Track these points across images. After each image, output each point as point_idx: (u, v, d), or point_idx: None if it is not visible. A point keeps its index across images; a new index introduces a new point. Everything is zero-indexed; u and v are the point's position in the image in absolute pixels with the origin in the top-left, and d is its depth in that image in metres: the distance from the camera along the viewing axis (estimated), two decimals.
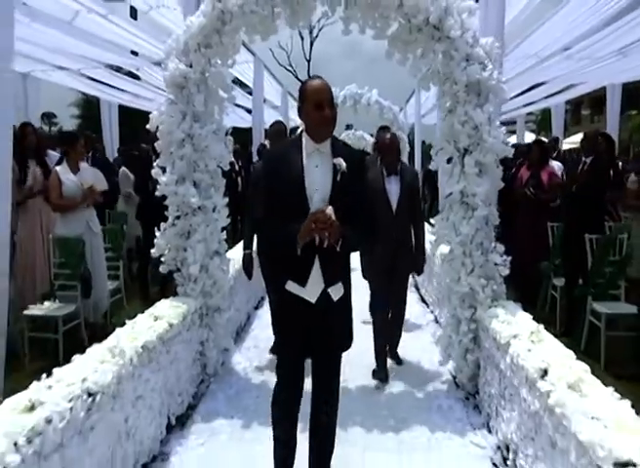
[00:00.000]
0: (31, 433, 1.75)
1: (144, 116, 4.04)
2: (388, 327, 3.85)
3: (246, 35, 3.41)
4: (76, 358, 2.31)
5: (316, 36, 31.09)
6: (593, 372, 2.14)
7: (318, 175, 2.18)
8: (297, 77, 30.36)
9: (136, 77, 9.58)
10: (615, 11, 5.72)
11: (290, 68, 30.45)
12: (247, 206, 3.96)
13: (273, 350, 3.81)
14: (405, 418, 3.07)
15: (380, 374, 3.66)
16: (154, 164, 3.45)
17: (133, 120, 14.62)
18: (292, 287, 2.23)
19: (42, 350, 3.87)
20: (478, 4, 4.97)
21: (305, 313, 2.22)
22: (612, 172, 4.87)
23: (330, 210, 2.04)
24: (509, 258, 3.23)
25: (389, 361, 3.85)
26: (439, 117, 3.57)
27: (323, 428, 2.35)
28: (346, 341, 2.33)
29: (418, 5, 3.03)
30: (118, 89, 9.77)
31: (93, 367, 2.22)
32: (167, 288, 4.61)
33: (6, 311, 2.70)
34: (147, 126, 3.37)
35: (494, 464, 2.64)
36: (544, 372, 2.21)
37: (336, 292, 2.24)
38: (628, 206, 4.86)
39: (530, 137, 16.68)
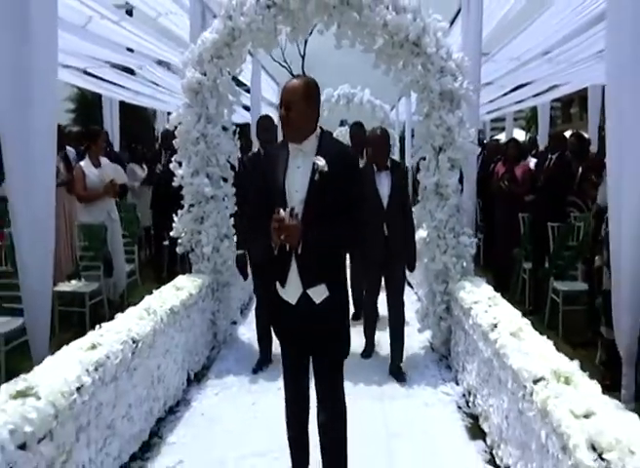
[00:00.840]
0: (96, 364, 2.34)
1: (141, 112, 4.43)
2: (391, 334, 3.83)
3: (252, 48, 3.99)
4: (118, 316, 2.90)
5: (310, 33, 31.58)
6: (556, 344, 2.51)
7: (298, 175, 2.18)
8: (291, 73, 30.89)
9: (131, 72, 10.04)
10: (592, 16, 6.29)
11: (284, 64, 31.02)
12: (238, 204, 4.00)
13: (256, 370, 3.81)
14: (387, 376, 3.67)
15: (369, 352, 4.06)
16: (172, 158, 4.03)
17: (130, 116, 15.10)
18: (277, 287, 2.27)
19: (70, 323, 4.45)
20: (460, 16, 5.60)
21: (291, 314, 2.23)
22: (582, 167, 5.48)
23: (284, 213, 2.04)
24: (475, 241, 3.84)
25: (391, 379, 3.69)
26: (417, 120, 4.16)
27: (327, 440, 2.28)
28: (339, 346, 2.27)
29: (399, 25, 3.62)
30: (119, 85, 10.26)
31: (134, 321, 2.81)
32: (174, 271, 5.19)
33: (51, 271, 3.20)
34: (166, 125, 3.94)
35: (458, 407, 3.27)
36: (495, 326, 2.82)
37: (317, 294, 2.19)
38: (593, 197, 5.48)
39: (519, 134, 17.31)
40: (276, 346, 2.79)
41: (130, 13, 8.14)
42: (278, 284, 2.25)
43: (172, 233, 4.01)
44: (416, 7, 3.66)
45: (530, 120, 23.48)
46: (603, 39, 6.80)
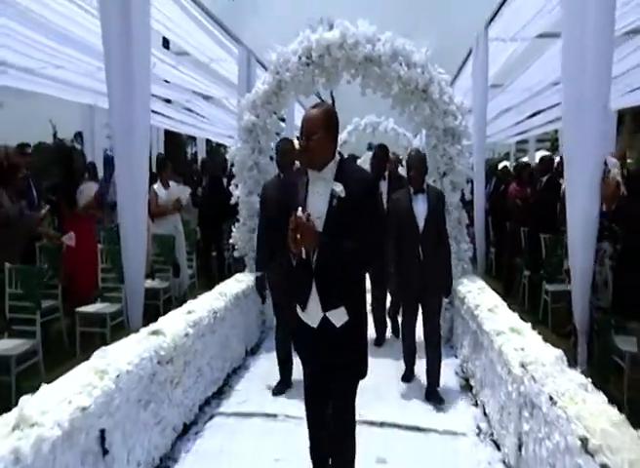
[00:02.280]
0: (193, 322, 3.48)
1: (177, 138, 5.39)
2: (428, 364, 3.95)
3: (294, 95, 5.19)
4: (190, 301, 4.01)
5: None
6: (545, 335, 3.24)
7: (319, 202, 2.26)
8: (321, 100, 32.38)
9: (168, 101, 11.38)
10: None
11: (315, 94, 32.61)
12: (259, 226, 4.08)
13: (276, 392, 3.97)
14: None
15: (407, 377, 4.19)
16: (232, 181, 5.23)
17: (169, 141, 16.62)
18: (298, 310, 2.39)
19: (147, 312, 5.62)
20: (471, 57, 6.74)
21: (312, 336, 2.35)
22: None
23: (301, 214, 2.13)
24: (471, 246, 4.90)
25: (429, 403, 3.86)
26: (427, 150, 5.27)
27: (336, 439, 2.44)
28: (356, 369, 2.39)
29: (411, 77, 4.77)
30: (163, 115, 11.67)
31: (214, 299, 3.97)
32: (223, 275, 6.34)
33: (144, 270, 4.35)
34: (228, 155, 5.15)
35: (455, 372, 4.29)
36: (478, 306, 3.87)
37: (337, 318, 2.28)
38: None
39: (543, 155, 18.20)
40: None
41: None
42: (299, 307, 2.37)
43: (231, 240, 5.19)
44: (424, 63, 4.81)
45: (554, 142, 24.43)
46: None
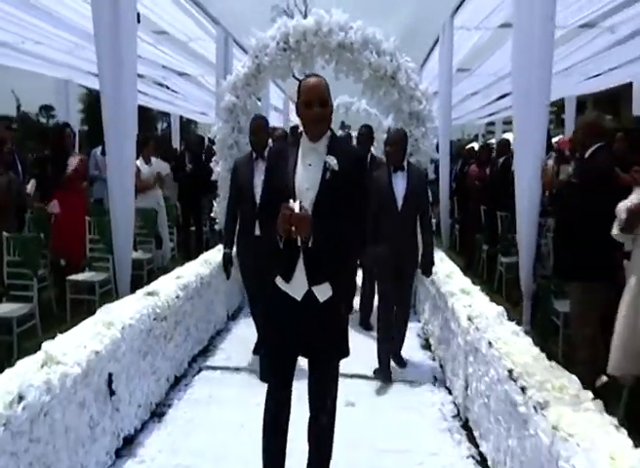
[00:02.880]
0: (183, 285, 3.91)
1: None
2: (394, 330, 4.02)
3: (272, 78, 5.56)
4: (177, 269, 4.42)
5: None
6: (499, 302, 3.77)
7: (310, 173, 2.24)
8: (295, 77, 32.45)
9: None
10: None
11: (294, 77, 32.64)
12: (228, 203, 4.10)
13: (256, 351, 4.10)
14: None
15: (384, 373, 3.92)
16: (213, 158, 5.59)
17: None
18: (279, 281, 2.32)
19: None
20: (437, 45, 7.17)
21: (293, 310, 2.28)
22: None
23: (294, 204, 2.08)
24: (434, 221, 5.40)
25: (392, 363, 4.02)
26: None
27: (317, 436, 2.38)
28: (339, 347, 2.34)
29: (380, 64, 5.19)
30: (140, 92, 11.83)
31: (200, 266, 4.39)
32: (200, 249, 6.73)
33: (131, 241, 4.71)
34: (209, 135, 5.51)
35: (417, 334, 4.84)
36: (436, 273, 4.37)
37: (321, 293, 2.26)
38: None
39: (510, 137, 18.89)
40: None
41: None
42: (281, 279, 2.31)
43: (212, 214, 5.58)
44: (392, 51, 5.24)
45: None
46: (567, 58, 8.43)
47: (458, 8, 6.64)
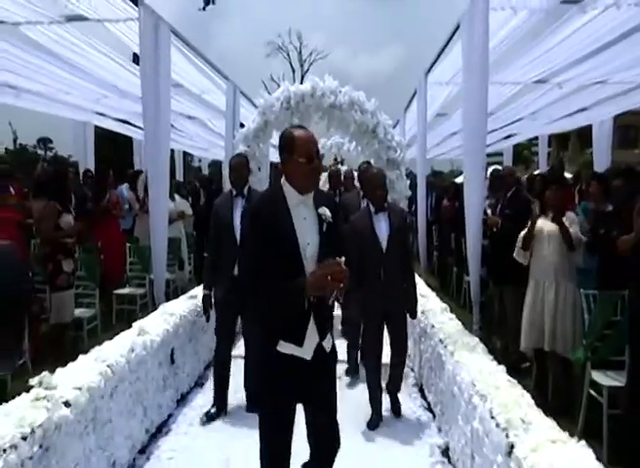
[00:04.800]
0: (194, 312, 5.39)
1: None
2: (390, 380, 4.15)
3: (277, 130, 7.15)
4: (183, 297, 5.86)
5: (307, 70, 35.56)
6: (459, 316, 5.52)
7: (307, 227, 2.27)
8: None
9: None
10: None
11: None
12: (210, 244, 4.23)
13: (208, 418, 4.14)
14: None
15: (376, 422, 3.98)
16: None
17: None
18: (286, 347, 2.30)
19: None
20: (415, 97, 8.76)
21: (299, 369, 2.32)
22: None
23: (340, 260, 2.12)
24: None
25: (386, 412, 4.14)
26: None
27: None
28: (335, 390, 2.51)
29: (363, 121, 6.79)
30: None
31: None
32: None
33: (165, 264, 6.21)
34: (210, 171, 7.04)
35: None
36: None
37: (328, 344, 2.41)
38: None
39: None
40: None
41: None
42: (288, 344, 2.30)
43: None
44: (373, 110, 6.84)
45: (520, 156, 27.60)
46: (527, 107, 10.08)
47: (430, 68, 8.29)
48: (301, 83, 7.07)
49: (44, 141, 33.87)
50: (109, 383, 3.16)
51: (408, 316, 4.09)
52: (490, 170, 8.11)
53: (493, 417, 2.63)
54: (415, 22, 63.46)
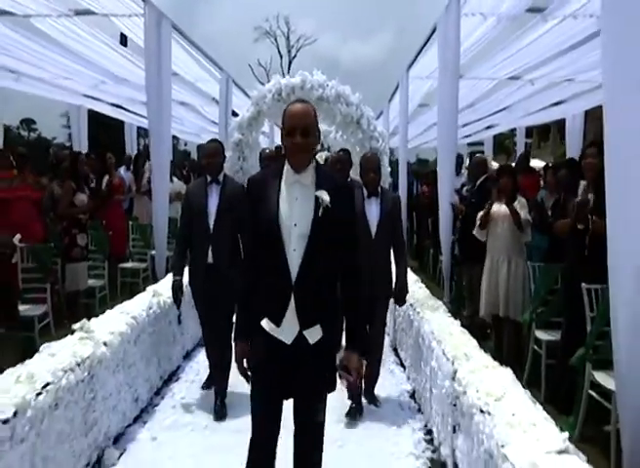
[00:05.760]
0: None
1: None
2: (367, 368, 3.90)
3: (267, 120, 7.85)
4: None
5: (294, 56, 36.01)
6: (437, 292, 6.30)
7: (297, 208, 2.22)
8: None
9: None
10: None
11: None
12: (180, 227, 4.28)
13: (206, 385, 4.38)
14: None
15: (356, 412, 3.94)
16: None
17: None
18: (266, 325, 2.30)
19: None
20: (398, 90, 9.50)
21: (281, 353, 2.28)
22: None
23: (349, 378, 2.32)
24: None
25: (364, 401, 4.10)
26: None
27: None
28: (327, 385, 2.37)
29: (348, 113, 7.52)
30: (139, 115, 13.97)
31: None
32: None
33: (165, 243, 6.91)
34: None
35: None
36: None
37: (312, 335, 2.27)
38: None
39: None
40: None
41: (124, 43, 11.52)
42: (269, 322, 2.29)
43: None
44: (357, 103, 7.56)
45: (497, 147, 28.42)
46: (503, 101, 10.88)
47: (412, 63, 8.99)
48: (289, 68, 7.85)
49: (27, 122, 34.00)
50: (134, 331, 3.89)
51: (393, 302, 4.22)
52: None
53: (444, 354, 3.41)
54: (404, 9, 64.02)
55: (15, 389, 2.62)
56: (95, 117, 14.06)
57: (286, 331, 2.29)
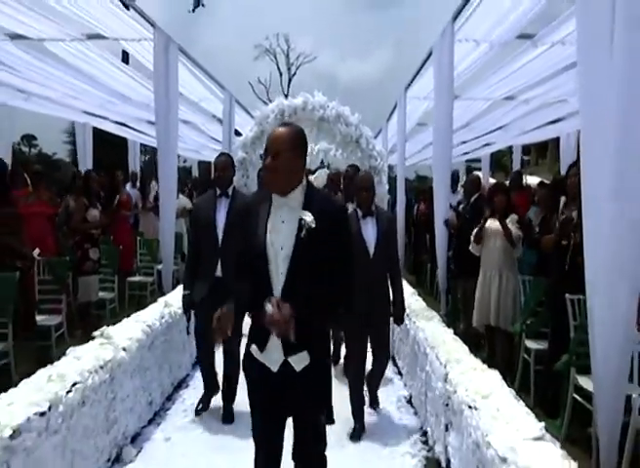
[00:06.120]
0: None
1: None
2: (371, 377, 4.24)
3: None
4: None
5: (294, 74, 36.69)
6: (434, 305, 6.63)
7: (283, 231, 2.21)
8: None
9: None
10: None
11: (268, 102, 35.69)
12: (190, 244, 4.34)
13: (198, 411, 4.37)
14: None
15: (359, 433, 3.98)
16: None
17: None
18: (254, 350, 2.32)
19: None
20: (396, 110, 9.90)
21: (270, 378, 2.28)
22: None
23: (270, 308, 2.12)
24: None
25: (366, 408, 4.20)
26: None
27: None
28: (318, 408, 2.41)
29: (348, 133, 7.90)
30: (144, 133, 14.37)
31: None
32: None
33: (172, 258, 7.24)
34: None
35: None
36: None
37: (298, 363, 2.24)
38: None
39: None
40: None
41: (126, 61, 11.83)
42: (255, 347, 2.31)
43: None
44: (356, 123, 7.95)
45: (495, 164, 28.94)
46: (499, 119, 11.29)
47: (410, 83, 9.39)
48: (289, 85, 8.17)
49: (28, 138, 34.48)
50: (149, 338, 4.20)
51: (392, 322, 4.20)
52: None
53: (437, 358, 3.72)
54: (403, 27, 65.17)
55: (47, 387, 2.94)
56: (98, 134, 14.49)
57: (271, 357, 2.28)
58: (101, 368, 3.41)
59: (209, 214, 4.05)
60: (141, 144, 16.07)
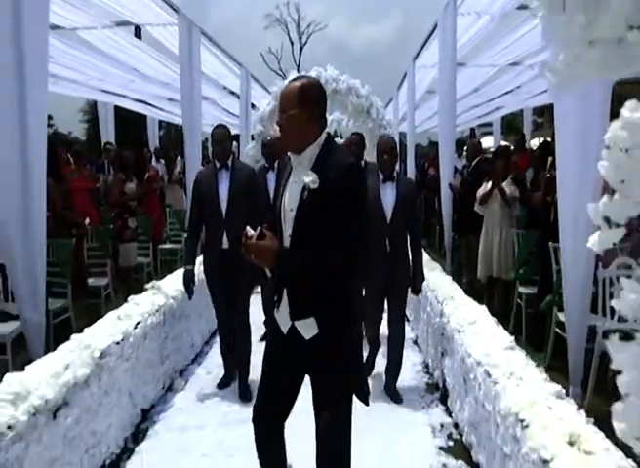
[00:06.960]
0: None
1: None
2: (389, 351, 4.18)
3: None
4: None
5: (305, 43, 36.87)
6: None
7: (293, 192, 2.16)
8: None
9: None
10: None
11: (280, 73, 36.09)
12: (191, 219, 4.21)
13: (221, 384, 4.45)
14: None
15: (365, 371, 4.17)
16: None
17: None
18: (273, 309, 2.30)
19: None
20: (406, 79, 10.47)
21: (282, 342, 2.24)
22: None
23: (251, 232, 2.07)
24: None
25: (386, 397, 4.13)
26: None
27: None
28: (333, 383, 2.18)
29: (359, 103, 8.53)
30: (163, 110, 15.08)
31: None
32: None
33: None
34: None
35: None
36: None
37: (306, 329, 2.14)
38: None
39: (487, 141, 22.35)
40: None
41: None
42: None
43: None
44: (367, 94, 8.56)
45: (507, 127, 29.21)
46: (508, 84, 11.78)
47: (419, 52, 9.91)
48: (300, 55, 8.73)
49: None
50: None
51: (410, 291, 4.14)
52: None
53: (436, 298, 4.45)
54: None
55: (119, 324, 3.73)
56: (117, 113, 15.24)
57: (282, 318, 2.24)
58: (157, 311, 4.20)
59: (211, 188, 4.01)
60: (161, 121, 16.84)
